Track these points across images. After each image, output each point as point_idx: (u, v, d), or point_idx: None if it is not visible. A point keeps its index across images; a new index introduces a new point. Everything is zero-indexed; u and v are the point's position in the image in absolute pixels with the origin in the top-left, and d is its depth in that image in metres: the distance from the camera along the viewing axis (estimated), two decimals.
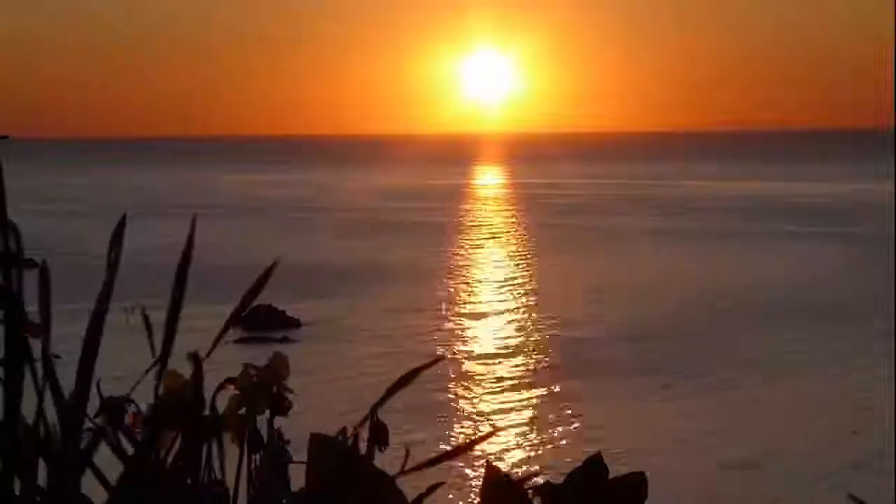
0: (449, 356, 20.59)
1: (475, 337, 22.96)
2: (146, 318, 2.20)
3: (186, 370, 2.15)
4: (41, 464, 2.04)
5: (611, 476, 2.43)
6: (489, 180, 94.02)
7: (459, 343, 22.19)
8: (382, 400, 2.22)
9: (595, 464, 2.43)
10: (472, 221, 50.94)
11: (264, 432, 2.25)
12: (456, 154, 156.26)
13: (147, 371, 2.13)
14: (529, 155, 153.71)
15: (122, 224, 2.13)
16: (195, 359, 2.11)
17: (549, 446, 15.61)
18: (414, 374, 2.21)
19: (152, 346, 2.14)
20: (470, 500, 12.31)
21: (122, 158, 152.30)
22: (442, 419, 16.73)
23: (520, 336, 22.90)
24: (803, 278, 30.40)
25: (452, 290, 28.96)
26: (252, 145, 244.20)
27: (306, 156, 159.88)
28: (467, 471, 13.27)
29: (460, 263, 34.88)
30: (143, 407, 2.17)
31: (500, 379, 19.34)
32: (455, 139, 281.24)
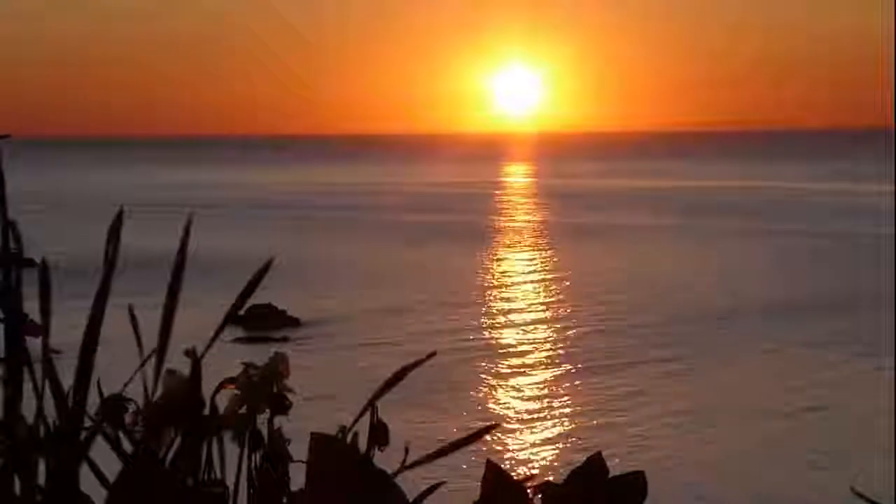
0: (473, 353, 20.63)
1: (480, 336, 22.95)
2: (133, 316, 2.18)
3: (184, 368, 2.14)
4: (41, 463, 2.03)
5: (611, 476, 2.43)
6: (516, 178, 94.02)
7: (464, 342, 22.16)
8: (376, 397, 2.22)
9: (595, 464, 2.43)
10: (487, 221, 50.63)
11: (265, 432, 2.25)
12: (486, 153, 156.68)
13: (139, 367, 2.11)
14: (555, 154, 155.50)
15: (118, 220, 2.09)
16: (193, 356, 2.10)
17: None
18: (405, 371, 2.21)
19: (139, 343, 2.12)
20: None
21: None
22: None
23: (530, 339, 22.89)
24: None
25: (457, 289, 28.90)
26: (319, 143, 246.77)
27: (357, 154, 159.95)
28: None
29: (470, 263, 34.74)
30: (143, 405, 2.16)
31: (506, 376, 19.37)
32: (485, 139, 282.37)
